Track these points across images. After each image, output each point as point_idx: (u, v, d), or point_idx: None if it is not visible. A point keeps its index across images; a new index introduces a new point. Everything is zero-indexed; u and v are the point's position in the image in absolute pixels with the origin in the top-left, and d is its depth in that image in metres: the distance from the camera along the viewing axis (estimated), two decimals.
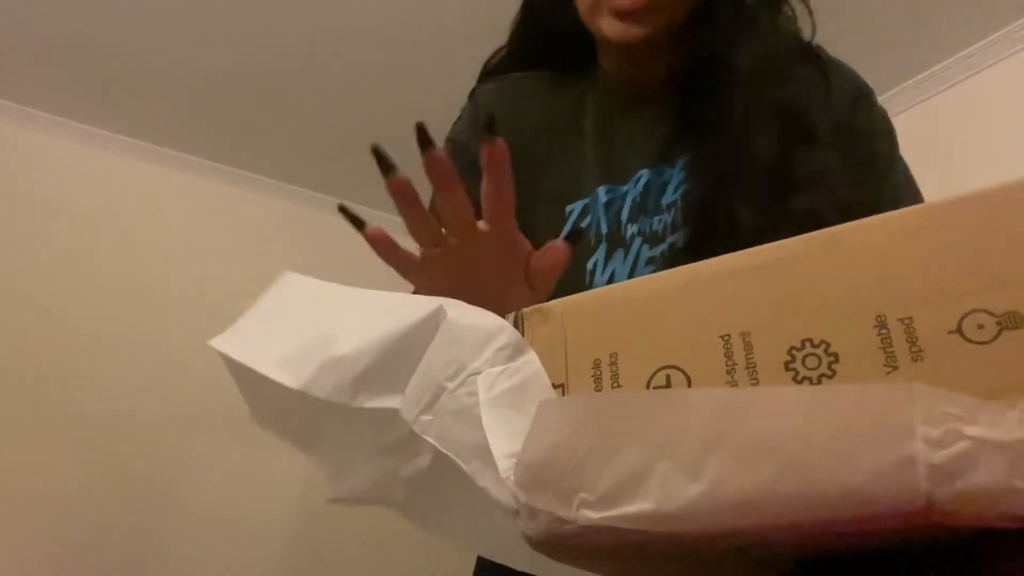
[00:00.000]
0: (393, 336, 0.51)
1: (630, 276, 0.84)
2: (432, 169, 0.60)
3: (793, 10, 0.89)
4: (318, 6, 2.53)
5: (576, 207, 0.89)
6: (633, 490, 0.38)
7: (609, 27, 0.81)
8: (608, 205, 0.88)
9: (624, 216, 0.86)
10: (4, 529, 2.66)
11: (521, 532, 0.42)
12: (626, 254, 0.85)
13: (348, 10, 2.53)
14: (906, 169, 0.90)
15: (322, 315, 0.57)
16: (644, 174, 0.88)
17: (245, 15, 2.57)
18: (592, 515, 0.39)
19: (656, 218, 0.85)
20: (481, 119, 0.85)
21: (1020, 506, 0.34)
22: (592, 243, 0.87)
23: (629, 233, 0.86)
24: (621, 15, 0.80)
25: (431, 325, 0.51)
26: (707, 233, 0.79)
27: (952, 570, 0.41)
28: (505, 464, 0.42)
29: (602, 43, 0.91)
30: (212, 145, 3.33)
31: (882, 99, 2.77)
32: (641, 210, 0.86)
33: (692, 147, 0.84)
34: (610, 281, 0.85)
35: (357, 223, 0.63)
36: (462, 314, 0.51)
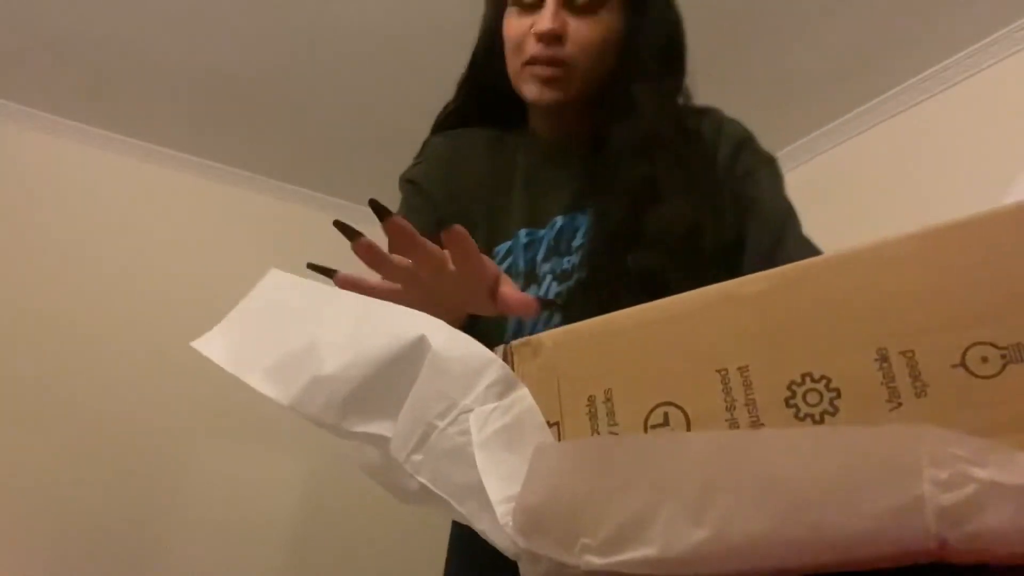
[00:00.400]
0: (379, 361, 0.50)
1: (534, 324, 0.97)
2: (395, 237, 0.66)
3: (687, 89, 1.07)
4: (318, 5, 2.52)
5: (502, 248, 1.03)
6: (636, 535, 0.37)
7: (529, 91, 1.00)
8: (527, 246, 1.02)
9: (539, 256, 1.00)
10: (4, 528, 2.66)
11: None
12: (538, 289, 0.98)
13: (348, 9, 2.52)
14: (789, 205, 1.03)
15: (307, 321, 0.56)
16: (559, 220, 1.02)
17: (245, 15, 2.56)
18: (596, 560, 0.38)
19: (566, 258, 0.99)
20: (435, 168, 1.08)
21: None
22: (512, 279, 0.99)
23: (542, 271, 0.99)
24: (540, 80, 0.98)
25: (418, 353, 0.49)
26: (597, 276, 0.93)
27: (951, 573, 0.41)
28: (503, 509, 0.41)
29: (529, 104, 1.06)
30: (212, 145, 3.32)
31: (882, 99, 2.78)
32: (554, 251, 1.00)
33: (594, 200, 0.99)
34: None
35: (350, 234, 0.68)
36: (449, 345, 0.49)
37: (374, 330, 0.52)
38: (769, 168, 1.05)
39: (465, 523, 0.44)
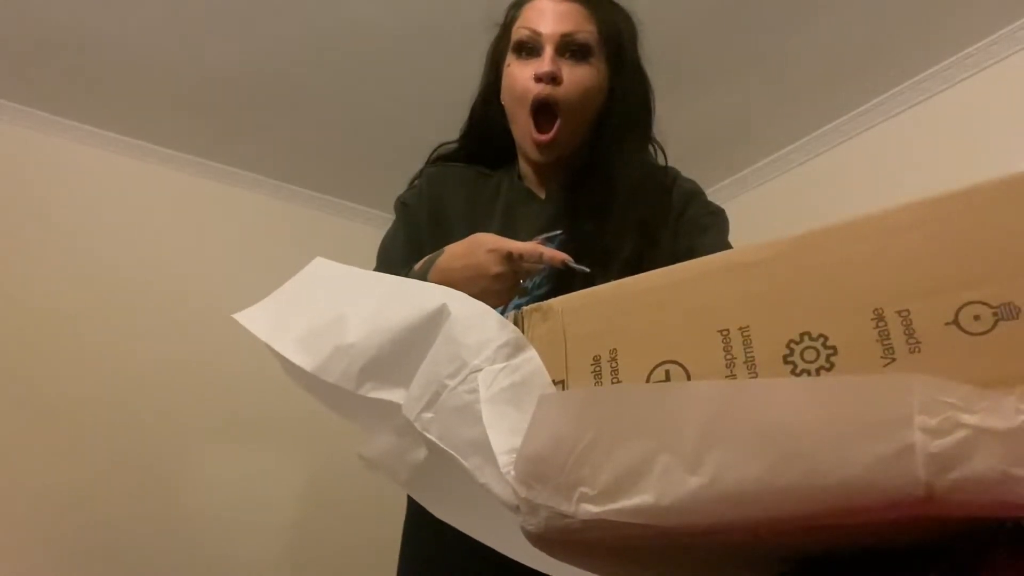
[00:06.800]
0: (399, 329, 0.53)
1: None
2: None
3: (652, 145, 1.26)
4: (319, 5, 2.52)
5: None
6: (633, 484, 0.38)
7: (532, 152, 1.19)
8: None
9: None
10: (5, 526, 2.66)
11: (521, 528, 0.42)
12: None
13: (347, 8, 2.52)
14: (730, 247, 1.16)
15: (340, 299, 0.59)
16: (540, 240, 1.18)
17: (245, 14, 2.56)
18: (593, 509, 0.39)
19: (528, 280, 1.13)
20: (425, 195, 1.26)
21: (1017, 494, 0.34)
22: None
23: None
24: (540, 146, 1.17)
25: (435, 321, 0.51)
26: (563, 291, 1.03)
27: (949, 571, 0.41)
28: (505, 460, 0.43)
29: (523, 155, 1.26)
30: (212, 145, 3.31)
31: (882, 98, 2.78)
32: None
33: (569, 227, 1.15)
34: None
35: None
36: (465, 312, 0.51)
37: (398, 303, 0.55)
38: (714, 217, 1.21)
39: (469, 481, 0.45)
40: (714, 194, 3.36)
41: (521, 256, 0.95)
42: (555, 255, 0.95)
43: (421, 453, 0.54)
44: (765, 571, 0.47)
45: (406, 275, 1.05)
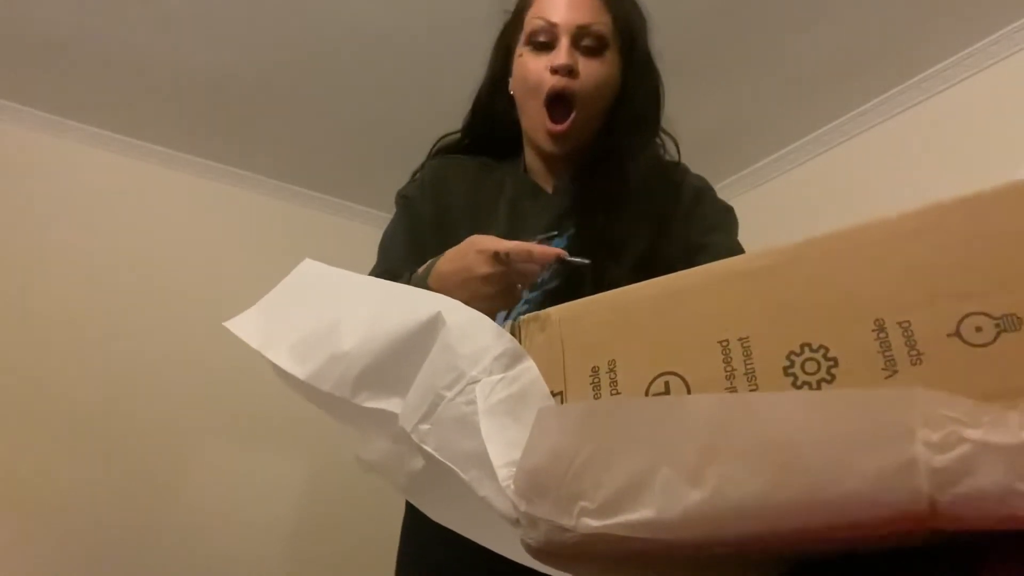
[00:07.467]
0: (394, 338, 0.52)
1: (508, 314, 1.07)
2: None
3: (662, 139, 1.26)
4: (319, 5, 2.52)
5: None
6: (634, 498, 0.38)
7: (545, 142, 1.16)
8: None
9: None
10: (4, 525, 2.66)
11: (521, 542, 0.41)
12: None
13: (347, 8, 2.52)
14: (739, 246, 1.17)
15: (333, 304, 0.59)
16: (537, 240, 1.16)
17: (246, 15, 2.56)
18: (593, 523, 0.39)
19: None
20: (427, 189, 1.24)
21: (1020, 509, 0.33)
22: None
23: None
24: (554, 137, 1.15)
25: (431, 330, 0.51)
26: (575, 283, 1.04)
27: (949, 571, 0.41)
28: (504, 473, 0.42)
29: (531, 147, 1.24)
30: (212, 145, 3.32)
31: (883, 98, 2.77)
32: None
33: (580, 223, 1.14)
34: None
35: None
36: (461, 321, 0.51)
37: (392, 310, 0.54)
38: (724, 215, 1.21)
39: (468, 491, 0.44)
40: None
41: (508, 255, 0.92)
42: (546, 251, 0.92)
43: (419, 462, 0.53)
44: (765, 574, 0.47)
45: (408, 279, 1.03)
